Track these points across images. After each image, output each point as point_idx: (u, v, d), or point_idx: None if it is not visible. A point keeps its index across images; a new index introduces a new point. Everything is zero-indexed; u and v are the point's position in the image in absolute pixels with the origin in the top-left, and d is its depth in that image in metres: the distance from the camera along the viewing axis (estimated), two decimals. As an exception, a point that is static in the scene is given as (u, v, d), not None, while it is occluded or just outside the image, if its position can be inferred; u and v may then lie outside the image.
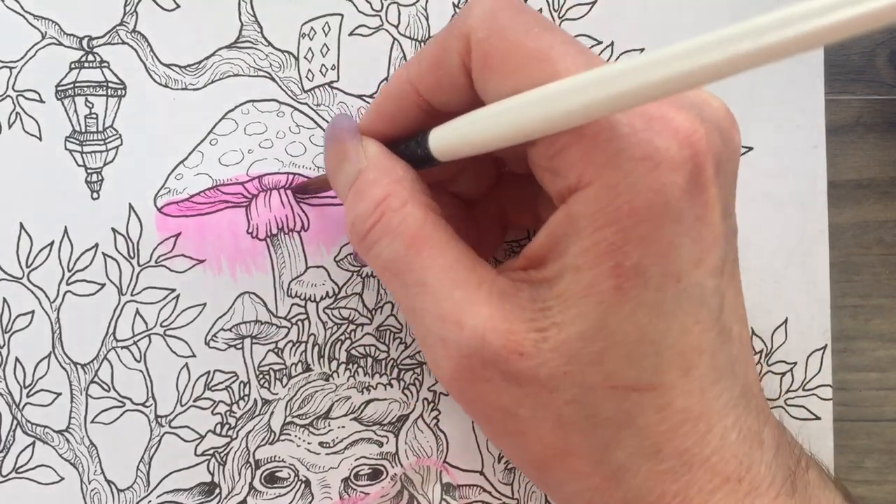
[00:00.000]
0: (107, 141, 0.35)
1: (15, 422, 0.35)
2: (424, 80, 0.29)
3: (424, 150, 0.28)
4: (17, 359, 0.34)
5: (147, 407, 0.35)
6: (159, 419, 0.35)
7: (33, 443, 0.35)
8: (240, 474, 0.36)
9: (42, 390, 0.35)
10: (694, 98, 0.26)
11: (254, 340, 0.35)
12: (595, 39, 0.37)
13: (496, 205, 0.35)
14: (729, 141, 0.26)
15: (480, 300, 0.26)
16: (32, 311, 0.35)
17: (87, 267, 0.35)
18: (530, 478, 0.29)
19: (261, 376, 0.35)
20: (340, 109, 0.36)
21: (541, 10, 0.36)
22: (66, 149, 0.34)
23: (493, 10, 0.26)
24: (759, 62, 0.19)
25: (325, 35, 0.36)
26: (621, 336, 0.25)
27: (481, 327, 0.26)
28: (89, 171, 0.34)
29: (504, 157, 0.32)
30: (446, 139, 0.28)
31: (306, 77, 0.36)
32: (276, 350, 0.35)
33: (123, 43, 0.35)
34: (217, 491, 0.35)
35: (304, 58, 0.36)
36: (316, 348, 0.36)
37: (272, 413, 0.36)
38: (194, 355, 0.35)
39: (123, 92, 0.35)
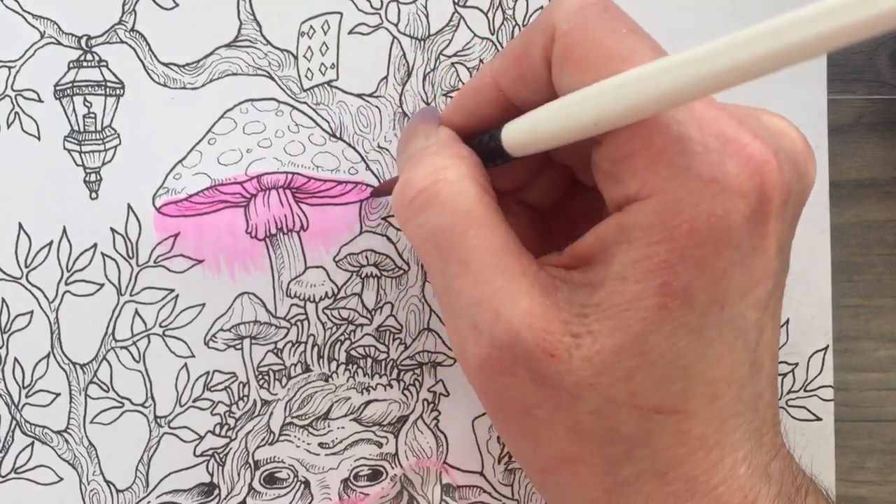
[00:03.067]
0: (105, 140, 0.34)
1: (14, 422, 0.35)
2: (506, 75, 0.28)
3: (496, 143, 0.28)
4: (15, 359, 0.34)
5: (146, 407, 0.35)
6: (158, 420, 0.35)
7: (32, 443, 0.35)
8: (239, 475, 0.35)
9: (41, 391, 0.35)
10: (773, 127, 0.26)
11: (253, 341, 0.35)
12: (595, 38, 0.36)
13: (566, 213, 0.34)
14: (802, 175, 0.26)
15: (521, 291, 0.25)
16: (31, 312, 0.35)
17: (85, 267, 0.35)
18: (532, 479, 0.29)
19: (260, 377, 0.35)
20: (340, 109, 0.36)
21: (542, 7, 0.36)
22: (64, 148, 0.34)
23: (582, 5, 0.26)
24: (828, 48, 0.19)
25: (325, 33, 0.36)
26: (656, 356, 0.24)
27: (518, 321, 0.25)
28: (88, 170, 0.34)
29: (574, 166, 0.32)
30: (518, 131, 0.27)
31: (305, 76, 0.36)
32: (275, 350, 0.35)
33: (122, 42, 0.35)
34: (216, 492, 0.35)
35: (304, 56, 0.35)
36: (315, 349, 0.35)
37: (271, 414, 0.35)
38: (193, 356, 0.35)
39: (122, 91, 0.35)
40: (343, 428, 0.36)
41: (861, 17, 0.18)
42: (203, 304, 0.35)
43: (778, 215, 0.24)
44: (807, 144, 0.27)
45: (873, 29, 0.18)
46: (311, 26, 0.35)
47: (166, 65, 0.35)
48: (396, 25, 0.36)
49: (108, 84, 0.35)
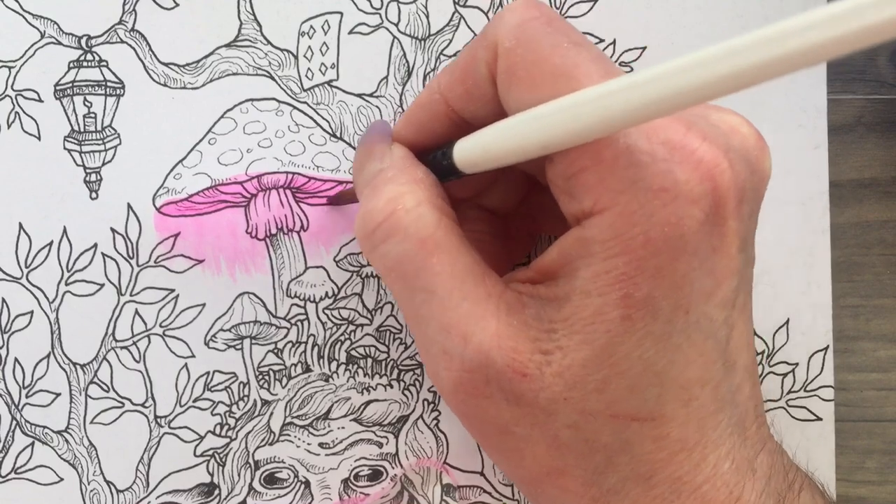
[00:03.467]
0: (105, 140, 0.34)
1: (14, 422, 0.35)
2: (454, 90, 0.28)
3: (449, 161, 0.28)
4: (16, 359, 0.34)
5: (146, 407, 0.35)
6: (158, 420, 0.35)
7: (32, 443, 0.35)
8: (239, 475, 0.35)
9: (41, 391, 0.35)
10: (723, 125, 0.26)
11: (253, 341, 0.35)
12: (597, 37, 0.36)
13: (526, 214, 0.34)
14: (756, 170, 0.26)
15: (488, 314, 0.26)
16: (31, 312, 0.34)
17: (86, 267, 0.35)
18: (523, 492, 0.29)
19: (260, 377, 0.35)
20: (340, 108, 0.36)
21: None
22: (64, 148, 0.34)
23: (524, 21, 0.26)
24: (791, 67, 0.18)
25: (325, 33, 0.35)
26: (626, 366, 0.24)
27: (487, 343, 0.25)
28: (88, 170, 0.34)
29: (531, 170, 0.32)
30: (469, 151, 0.27)
31: (305, 76, 0.35)
32: (275, 351, 0.35)
33: (122, 42, 0.35)
34: (216, 492, 0.35)
35: (304, 56, 0.35)
36: (315, 349, 0.35)
37: (272, 414, 0.35)
38: (194, 356, 0.35)
39: (122, 91, 0.35)
40: (343, 428, 0.36)
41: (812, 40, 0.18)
42: (203, 304, 0.35)
43: (735, 214, 0.24)
44: (759, 138, 0.27)
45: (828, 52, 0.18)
46: (312, 26, 0.35)
47: (166, 65, 0.35)
48: (397, 25, 0.36)
49: (109, 84, 0.35)
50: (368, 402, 0.36)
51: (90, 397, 0.35)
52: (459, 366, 0.26)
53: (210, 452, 0.35)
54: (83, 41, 0.34)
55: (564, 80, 0.24)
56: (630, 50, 0.37)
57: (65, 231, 0.34)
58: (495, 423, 0.26)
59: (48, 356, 0.35)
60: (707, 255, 0.24)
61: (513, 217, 0.34)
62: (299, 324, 0.35)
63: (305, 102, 0.35)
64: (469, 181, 0.30)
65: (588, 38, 0.27)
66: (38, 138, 0.34)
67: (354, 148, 0.36)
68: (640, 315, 0.24)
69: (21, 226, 0.34)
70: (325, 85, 0.36)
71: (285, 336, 0.35)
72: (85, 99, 0.34)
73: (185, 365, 0.35)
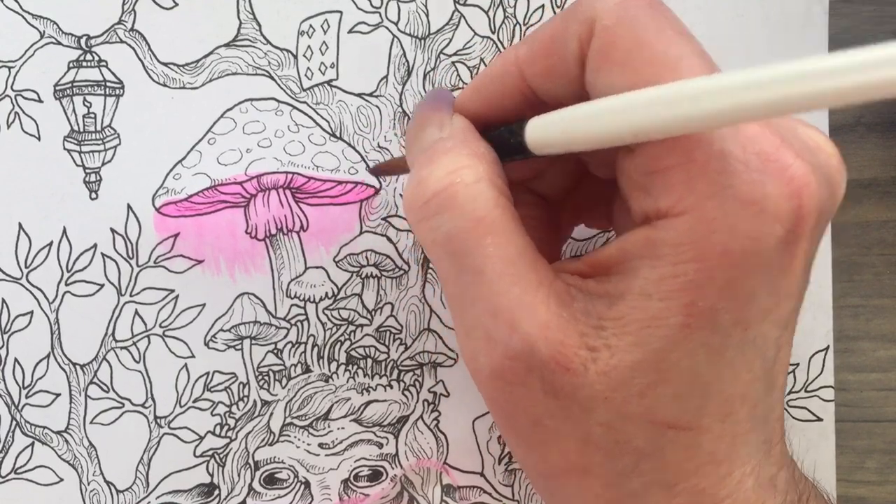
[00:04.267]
0: (105, 140, 0.34)
1: (14, 422, 0.35)
2: (534, 65, 0.26)
3: (518, 140, 0.26)
4: (16, 359, 0.34)
5: (146, 408, 0.35)
6: (158, 420, 0.35)
7: (32, 443, 0.35)
8: (239, 475, 0.35)
9: (41, 391, 0.35)
10: (811, 142, 0.25)
11: (253, 341, 0.35)
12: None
13: (572, 204, 0.33)
14: (834, 193, 0.25)
15: (538, 302, 0.25)
16: (31, 312, 0.34)
17: (85, 267, 0.35)
18: (536, 486, 0.28)
19: (260, 377, 0.35)
20: (340, 108, 0.36)
21: (542, 6, 0.36)
22: (64, 149, 0.34)
23: (626, 0, 0.24)
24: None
25: (325, 33, 0.35)
26: (674, 374, 0.24)
27: (534, 333, 0.24)
28: (88, 170, 0.34)
29: (589, 159, 0.30)
30: (545, 131, 0.26)
31: (305, 75, 0.35)
32: (275, 351, 0.35)
33: (121, 42, 0.35)
34: (216, 492, 0.35)
35: (303, 56, 0.35)
36: (315, 349, 0.35)
37: (272, 414, 0.35)
38: (193, 356, 0.35)
39: (121, 91, 0.35)
40: (343, 428, 0.36)
41: None
42: (203, 305, 0.35)
43: (810, 236, 0.24)
44: (840, 162, 0.26)
45: None
46: (311, 25, 0.35)
47: (166, 64, 0.35)
48: (396, 24, 0.36)
49: (108, 84, 0.34)
50: (368, 403, 0.36)
51: (90, 397, 0.35)
52: (503, 352, 0.25)
53: (210, 453, 0.35)
54: (83, 41, 0.34)
55: (667, 70, 0.23)
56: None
57: (65, 231, 0.34)
58: (529, 413, 0.25)
59: (48, 356, 0.35)
60: (776, 274, 0.24)
61: (560, 205, 0.33)
62: (299, 324, 0.35)
63: (305, 102, 0.35)
64: (524, 164, 0.29)
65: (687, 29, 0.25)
66: (38, 138, 0.34)
67: (354, 148, 0.36)
68: (701, 325, 0.23)
69: (21, 226, 0.34)
70: (325, 84, 0.36)
71: (285, 336, 0.35)
72: (84, 99, 0.34)
73: (185, 365, 0.35)
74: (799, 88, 0.19)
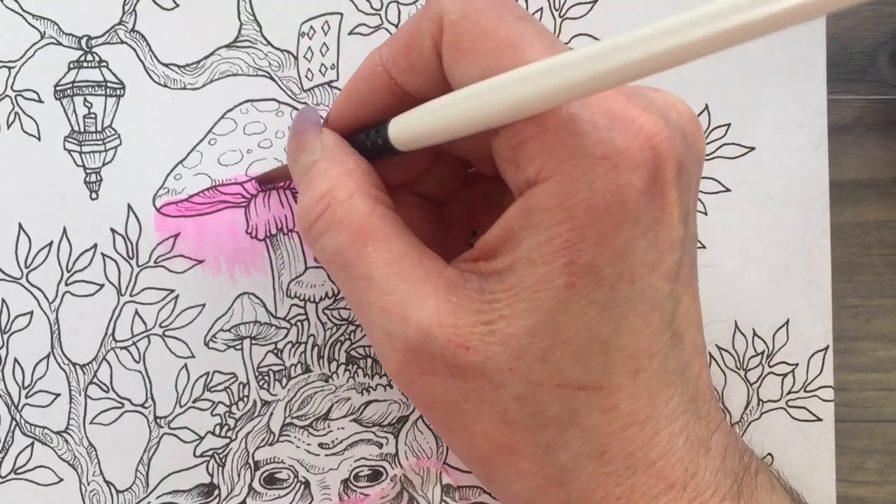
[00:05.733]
0: (105, 141, 0.34)
1: (14, 423, 0.35)
2: (398, 63, 0.28)
3: (384, 139, 0.28)
4: (15, 359, 0.34)
5: (146, 408, 0.35)
6: (158, 420, 0.35)
7: (32, 444, 0.35)
8: (239, 475, 0.35)
9: (41, 391, 0.35)
10: (660, 101, 0.26)
11: (253, 341, 0.35)
12: (596, 39, 0.36)
13: (463, 206, 0.34)
14: (693, 146, 0.26)
15: (426, 293, 0.26)
16: (31, 312, 0.34)
17: (85, 267, 0.35)
18: (476, 474, 0.29)
19: (260, 377, 0.35)
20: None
21: (541, 9, 0.36)
22: (64, 149, 0.34)
23: None
24: (728, 42, 0.19)
25: (325, 34, 0.36)
26: (570, 334, 0.25)
27: (426, 321, 0.26)
28: (88, 171, 0.34)
29: (470, 157, 0.32)
30: (405, 127, 0.27)
31: (305, 76, 0.36)
32: (275, 351, 0.35)
33: (122, 42, 0.35)
34: (216, 492, 0.35)
35: (304, 57, 0.35)
36: (315, 349, 0.35)
37: (271, 414, 0.35)
38: (193, 356, 0.35)
39: (122, 92, 0.35)
40: (343, 428, 0.36)
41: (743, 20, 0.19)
42: (203, 305, 0.35)
43: (674, 185, 0.25)
44: (694, 117, 0.27)
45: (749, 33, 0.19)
46: (312, 27, 0.35)
47: (167, 65, 0.35)
48: (396, 26, 0.36)
49: (109, 84, 0.35)
50: (368, 403, 0.36)
51: (90, 398, 0.35)
52: (402, 345, 0.26)
53: (210, 453, 0.35)
54: (83, 42, 0.34)
55: (510, 51, 0.24)
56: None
57: (65, 231, 0.34)
58: (443, 400, 0.26)
59: (48, 356, 0.35)
60: (649, 225, 0.25)
61: (449, 207, 0.34)
62: (299, 324, 0.35)
63: (305, 103, 0.35)
64: (404, 166, 0.30)
65: (530, 14, 0.27)
66: (38, 139, 0.34)
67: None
68: (584, 283, 0.24)
69: (21, 226, 0.34)
70: (325, 86, 0.36)
71: (285, 336, 0.35)
72: (85, 99, 0.34)
73: (185, 365, 0.35)
74: (619, 59, 0.21)
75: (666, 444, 0.26)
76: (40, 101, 0.34)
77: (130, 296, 0.35)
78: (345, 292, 0.28)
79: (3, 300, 0.34)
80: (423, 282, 0.26)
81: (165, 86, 0.35)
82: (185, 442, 0.35)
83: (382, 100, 0.29)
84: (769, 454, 0.37)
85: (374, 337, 0.27)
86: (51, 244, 0.34)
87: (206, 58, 0.35)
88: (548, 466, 0.26)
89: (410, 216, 0.29)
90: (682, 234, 0.26)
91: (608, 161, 0.24)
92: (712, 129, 0.37)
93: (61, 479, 0.35)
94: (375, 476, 0.36)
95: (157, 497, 0.35)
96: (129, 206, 0.35)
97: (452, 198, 0.34)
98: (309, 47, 0.36)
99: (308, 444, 0.36)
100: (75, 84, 0.34)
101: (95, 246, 0.35)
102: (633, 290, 0.25)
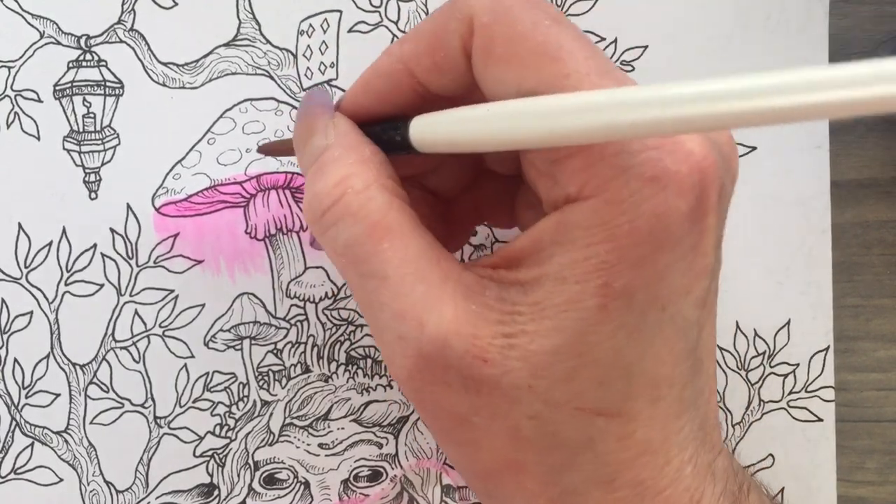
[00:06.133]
0: (105, 140, 0.34)
1: (14, 423, 0.35)
2: (421, 62, 0.27)
3: (403, 138, 0.27)
4: (15, 359, 0.34)
5: (146, 408, 0.35)
6: (158, 420, 0.35)
7: (32, 444, 0.35)
8: (239, 475, 0.35)
9: (41, 391, 0.35)
10: None
11: (253, 341, 0.35)
12: (598, 35, 0.36)
13: (471, 202, 0.33)
14: (730, 168, 0.25)
15: (445, 297, 0.25)
16: (31, 312, 0.34)
17: (85, 267, 0.35)
18: (474, 489, 0.28)
19: (260, 377, 0.35)
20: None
21: (541, 7, 0.36)
22: (64, 149, 0.34)
23: None
24: (804, 117, 0.19)
25: (324, 32, 0.35)
26: (596, 357, 0.24)
27: (444, 328, 0.24)
28: (87, 171, 0.34)
29: (488, 156, 0.31)
30: (430, 130, 0.26)
31: (305, 75, 0.35)
32: (275, 351, 0.35)
33: (121, 42, 0.34)
34: (216, 492, 0.35)
35: (303, 55, 0.35)
36: (315, 349, 0.35)
37: (271, 414, 0.35)
38: (193, 356, 0.35)
39: (121, 91, 0.35)
40: (343, 429, 0.36)
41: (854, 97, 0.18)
42: (203, 305, 0.35)
43: (715, 210, 0.24)
44: (732, 140, 0.26)
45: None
46: (311, 25, 0.35)
47: (165, 64, 0.35)
48: (396, 24, 0.36)
49: (108, 84, 0.34)
50: (368, 403, 0.36)
51: (90, 398, 0.35)
52: (416, 352, 0.25)
53: (210, 453, 0.35)
54: (82, 41, 0.34)
55: (548, 59, 0.23)
56: (632, 49, 0.36)
57: (64, 231, 0.34)
58: (453, 412, 0.25)
59: (48, 356, 0.35)
60: (687, 251, 0.24)
61: (456, 202, 0.33)
62: (299, 324, 0.35)
63: (305, 102, 0.35)
64: (415, 159, 0.29)
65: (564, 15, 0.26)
66: (38, 138, 0.34)
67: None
68: (617, 305, 0.23)
69: (20, 226, 0.34)
70: (325, 84, 0.36)
71: (285, 336, 0.35)
72: (84, 99, 0.34)
73: (185, 365, 0.35)
74: (668, 112, 0.20)
75: (675, 473, 0.25)
76: (39, 100, 0.34)
77: (130, 296, 0.35)
78: (353, 289, 0.27)
79: (3, 300, 0.34)
80: (441, 284, 0.25)
81: (164, 85, 0.35)
82: (185, 442, 0.35)
83: (402, 97, 0.28)
84: (770, 454, 0.37)
85: (384, 340, 0.26)
86: (50, 244, 0.34)
87: (204, 56, 0.35)
88: (553, 488, 0.25)
89: (416, 212, 0.28)
90: (714, 259, 0.25)
91: (657, 183, 0.23)
92: (713, 129, 0.37)
93: (61, 479, 0.35)
94: (375, 476, 0.36)
95: (157, 497, 0.35)
96: (129, 206, 0.35)
97: (459, 196, 0.33)
98: (308, 45, 0.35)
99: (308, 445, 0.36)
100: (74, 84, 0.34)
101: (95, 246, 0.35)
102: (663, 316, 0.24)
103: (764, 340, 0.37)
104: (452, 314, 0.24)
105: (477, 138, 0.24)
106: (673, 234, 0.23)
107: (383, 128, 0.28)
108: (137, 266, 0.35)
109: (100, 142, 0.34)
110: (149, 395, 0.35)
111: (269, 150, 0.34)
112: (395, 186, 0.27)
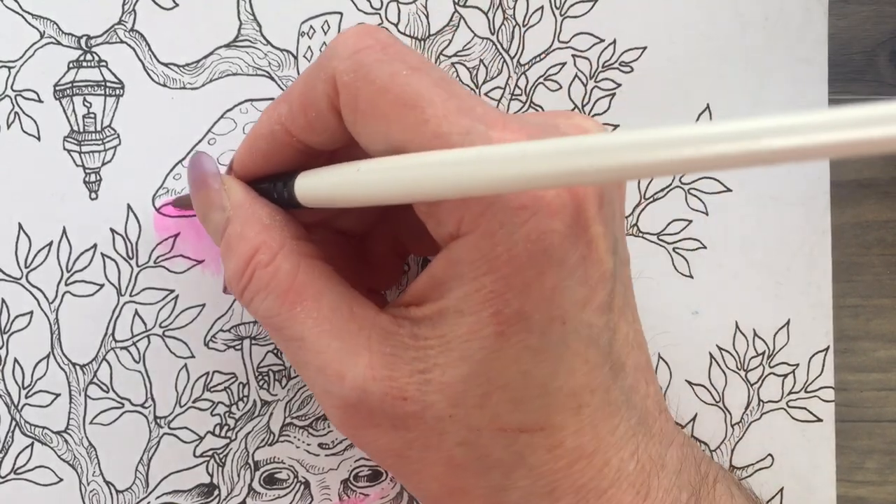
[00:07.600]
0: (105, 141, 0.34)
1: (14, 423, 0.34)
2: (296, 122, 0.28)
3: (290, 195, 0.28)
4: (15, 359, 0.34)
5: (146, 408, 0.35)
6: (158, 420, 0.35)
7: (32, 444, 0.35)
8: (239, 475, 0.35)
9: (41, 391, 0.35)
10: (572, 131, 0.26)
11: (253, 341, 0.35)
12: (597, 37, 0.36)
13: (390, 236, 0.34)
14: None
15: (359, 347, 0.26)
16: (31, 312, 0.34)
17: (85, 267, 0.34)
18: None
19: (260, 377, 0.35)
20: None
21: (542, 7, 0.36)
22: (64, 149, 0.34)
23: (357, 50, 0.25)
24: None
25: (325, 34, 0.35)
26: (506, 380, 0.25)
27: (361, 377, 0.26)
28: (88, 171, 0.34)
29: None
30: (312, 187, 0.27)
31: (305, 76, 0.35)
32: (275, 351, 0.35)
33: (122, 42, 0.35)
34: (216, 492, 0.35)
35: (304, 57, 0.35)
36: (315, 349, 0.35)
37: (271, 414, 0.35)
38: (193, 356, 0.35)
39: (122, 91, 0.35)
40: (343, 428, 0.36)
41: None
42: (203, 305, 0.35)
43: (598, 220, 0.25)
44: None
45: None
46: (312, 26, 0.35)
47: (166, 65, 0.35)
48: (396, 25, 0.36)
49: (108, 84, 0.35)
50: (368, 403, 0.36)
51: (90, 398, 0.35)
52: (341, 402, 0.26)
53: (210, 453, 0.35)
54: (83, 41, 0.34)
55: (407, 108, 0.24)
56: (630, 50, 0.37)
57: (64, 231, 0.34)
58: (390, 449, 0.27)
59: (48, 356, 0.35)
60: (577, 264, 0.24)
61: (375, 238, 0.34)
62: (299, 324, 0.35)
63: (305, 103, 0.35)
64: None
65: (429, 61, 0.27)
66: (38, 139, 0.34)
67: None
68: (514, 330, 0.24)
69: (21, 226, 0.34)
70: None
71: (285, 336, 0.35)
72: (84, 99, 0.34)
73: (185, 365, 0.35)
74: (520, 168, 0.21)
75: (616, 472, 0.26)
76: (40, 100, 0.34)
77: (130, 296, 0.35)
78: (283, 350, 0.28)
79: (3, 300, 0.34)
80: (355, 336, 0.26)
81: (165, 85, 0.35)
82: (185, 442, 0.35)
83: (286, 155, 0.29)
84: (769, 455, 0.37)
85: (315, 394, 0.28)
86: (50, 244, 0.34)
87: (205, 57, 0.35)
88: None
89: (332, 254, 0.29)
90: (612, 264, 0.26)
91: (526, 211, 0.23)
92: (712, 129, 0.37)
93: (61, 479, 0.35)
94: (375, 476, 0.36)
95: (157, 497, 0.35)
96: (129, 206, 0.35)
97: (376, 229, 0.34)
98: (309, 47, 0.35)
99: (308, 445, 0.36)
100: (75, 84, 0.34)
101: (95, 246, 0.35)
102: (565, 331, 0.25)
103: (763, 340, 0.37)
104: (367, 361, 0.26)
105: (350, 196, 0.25)
106: (554, 254, 0.24)
107: (271, 185, 0.29)
108: (138, 266, 0.35)
109: (100, 142, 0.34)
110: (149, 395, 0.35)
111: (181, 202, 0.34)
112: (301, 245, 0.28)
